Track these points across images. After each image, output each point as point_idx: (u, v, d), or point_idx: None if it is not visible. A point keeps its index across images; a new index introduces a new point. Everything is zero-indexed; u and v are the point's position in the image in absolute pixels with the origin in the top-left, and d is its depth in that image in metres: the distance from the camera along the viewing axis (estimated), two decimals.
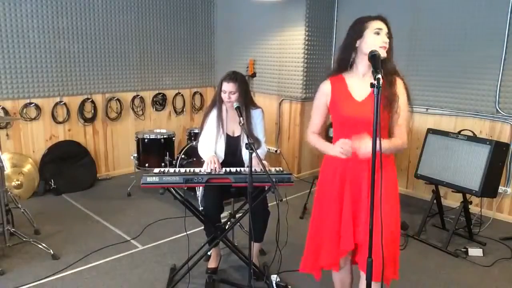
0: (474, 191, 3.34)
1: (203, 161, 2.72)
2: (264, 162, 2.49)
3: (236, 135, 2.91)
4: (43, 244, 3.18)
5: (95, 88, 4.86)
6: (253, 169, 2.23)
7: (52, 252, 3.13)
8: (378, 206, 1.72)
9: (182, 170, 2.64)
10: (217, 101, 2.85)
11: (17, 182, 4.26)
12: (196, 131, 4.49)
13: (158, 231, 3.66)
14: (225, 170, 2.60)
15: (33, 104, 4.43)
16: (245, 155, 2.81)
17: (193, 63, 5.77)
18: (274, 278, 2.78)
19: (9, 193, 3.37)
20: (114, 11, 4.85)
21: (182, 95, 5.71)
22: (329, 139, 2.13)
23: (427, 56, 4.29)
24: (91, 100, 4.84)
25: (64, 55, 4.56)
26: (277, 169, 2.63)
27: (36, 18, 4.30)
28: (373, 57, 1.69)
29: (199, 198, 3.87)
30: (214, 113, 2.87)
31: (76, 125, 4.81)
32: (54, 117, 4.60)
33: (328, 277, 2.31)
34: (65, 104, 4.66)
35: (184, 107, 5.77)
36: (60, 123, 4.66)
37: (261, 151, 2.81)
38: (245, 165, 2.76)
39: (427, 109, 4.39)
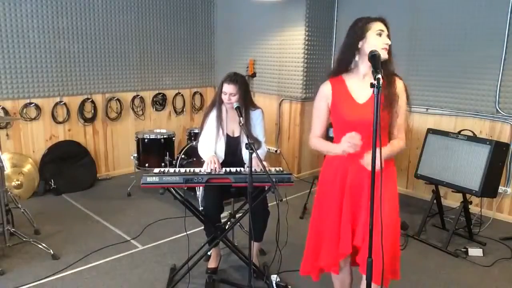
0: (474, 191, 3.34)
1: (203, 161, 2.72)
2: (264, 162, 2.49)
3: (236, 135, 2.91)
4: (43, 244, 3.18)
5: (95, 88, 4.86)
6: (253, 169, 2.23)
7: (52, 252, 3.13)
8: (378, 207, 1.72)
9: (182, 170, 2.64)
10: (217, 102, 2.85)
11: (17, 182, 4.26)
12: (196, 131, 4.49)
13: (158, 231, 3.66)
14: (225, 170, 2.60)
15: (33, 104, 4.43)
16: (245, 155, 2.82)
17: (193, 63, 5.77)
18: (274, 278, 2.78)
19: (9, 193, 3.37)
20: (114, 11, 4.85)
21: (182, 95, 5.71)
22: (329, 139, 2.12)
23: (427, 56, 4.29)
24: (91, 100, 4.84)
25: (64, 55, 4.56)
26: (277, 169, 2.63)
27: (36, 18, 4.30)
28: (373, 57, 1.68)
29: (199, 198, 3.88)
30: (214, 113, 2.87)
31: (76, 125, 4.81)
32: (54, 117, 4.60)
33: (328, 277, 2.31)
34: (65, 104, 4.66)
35: (184, 107, 5.77)
36: (60, 123, 4.66)
37: (261, 151, 2.81)
38: (245, 165, 2.76)
39: (427, 109, 4.39)
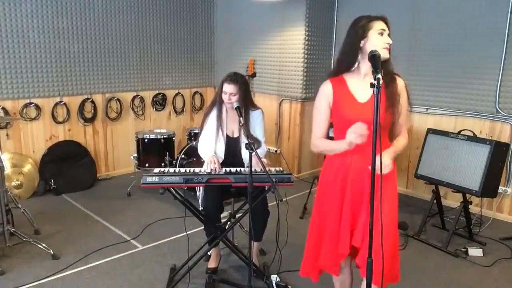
0: (474, 191, 3.34)
1: (203, 161, 2.72)
2: (264, 160, 2.49)
3: (236, 135, 2.91)
4: (43, 244, 3.18)
5: (95, 88, 4.86)
6: (253, 169, 2.22)
7: (52, 252, 3.13)
8: (378, 207, 1.72)
9: (182, 170, 2.64)
10: (217, 102, 2.85)
11: (17, 182, 4.26)
12: (196, 131, 4.49)
13: (158, 231, 3.66)
14: (225, 170, 2.60)
15: (33, 104, 4.43)
16: (245, 155, 2.82)
17: (193, 63, 5.77)
18: (274, 278, 2.78)
19: (9, 193, 3.37)
20: (114, 11, 4.85)
21: (182, 95, 5.71)
22: (329, 139, 2.11)
23: (427, 56, 4.29)
24: (91, 100, 4.84)
25: (64, 55, 4.56)
26: (277, 169, 2.62)
27: (36, 18, 4.30)
28: (373, 57, 1.67)
29: (200, 198, 3.88)
30: (214, 113, 2.87)
31: (76, 125, 4.81)
32: (54, 117, 4.60)
33: (328, 277, 2.30)
34: (65, 104, 4.66)
35: (184, 107, 5.77)
36: (60, 123, 4.66)
37: (261, 151, 2.80)
38: (245, 165, 2.76)
39: (427, 109, 4.39)
